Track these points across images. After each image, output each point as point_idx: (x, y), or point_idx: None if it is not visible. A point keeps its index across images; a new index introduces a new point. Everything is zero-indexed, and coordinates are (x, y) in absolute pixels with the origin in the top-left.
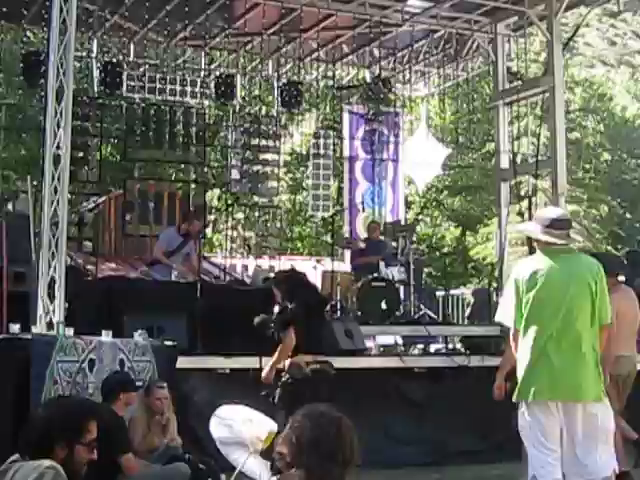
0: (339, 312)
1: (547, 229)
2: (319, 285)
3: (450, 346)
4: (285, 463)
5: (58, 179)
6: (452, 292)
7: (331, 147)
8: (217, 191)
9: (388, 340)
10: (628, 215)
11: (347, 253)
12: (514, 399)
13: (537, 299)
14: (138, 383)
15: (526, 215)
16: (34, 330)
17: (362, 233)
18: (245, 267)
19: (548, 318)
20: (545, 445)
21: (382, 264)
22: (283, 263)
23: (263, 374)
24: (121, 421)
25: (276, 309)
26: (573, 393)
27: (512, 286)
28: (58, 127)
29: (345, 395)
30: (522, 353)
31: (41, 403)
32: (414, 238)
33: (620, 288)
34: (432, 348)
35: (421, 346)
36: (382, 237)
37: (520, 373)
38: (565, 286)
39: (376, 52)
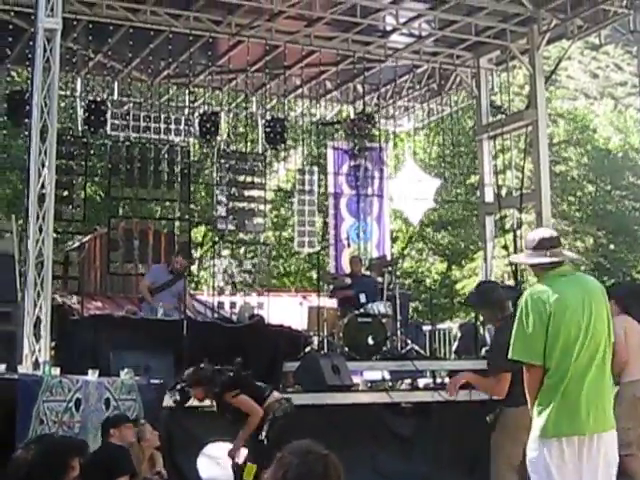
0: (326, 348)
1: (535, 251)
2: (306, 320)
3: (438, 380)
4: None
5: (43, 218)
6: (439, 326)
7: (316, 183)
8: (202, 228)
9: (375, 375)
10: (612, 246)
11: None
12: (538, 436)
13: (561, 330)
14: None
15: (511, 248)
16: (20, 370)
17: (348, 269)
18: (233, 304)
19: (575, 349)
20: None
21: (362, 296)
22: (270, 300)
23: (232, 450)
24: (118, 448)
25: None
26: (601, 423)
27: (532, 318)
28: (43, 166)
29: (333, 431)
30: (549, 387)
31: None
32: (399, 272)
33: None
34: (420, 383)
35: (408, 381)
36: (368, 272)
37: (546, 409)
38: (584, 312)
39: (360, 88)
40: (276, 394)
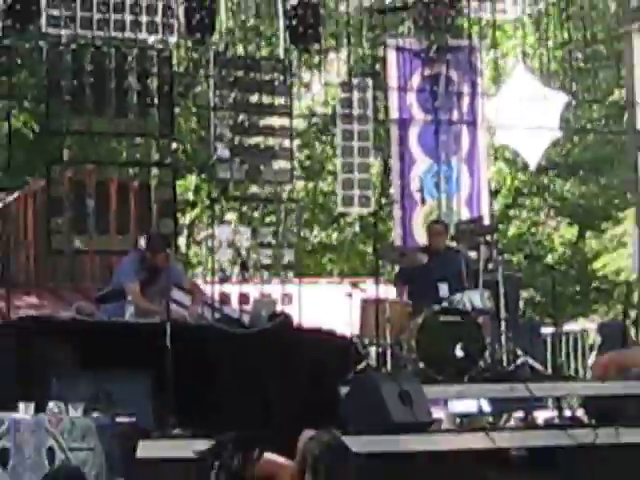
0: (390, 365)
1: None
2: (358, 321)
3: (566, 413)
4: None
5: None
6: (567, 328)
7: (370, 104)
8: (194, 178)
9: (468, 407)
10: None
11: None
12: None
13: None
14: None
15: None
16: None
17: (423, 239)
18: (244, 297)
19: None
20: None
21: (444, 286)
22: (302, 290)
23: None
24: None
25: None
26: None
27: None
28: None
29: None
30: None
31: None
32: (504, 243)
33: None
34: (538, 417)
35: (520, 415)
36: (454, 244)
37: None
38: None
39: None
40: (307, 432)
